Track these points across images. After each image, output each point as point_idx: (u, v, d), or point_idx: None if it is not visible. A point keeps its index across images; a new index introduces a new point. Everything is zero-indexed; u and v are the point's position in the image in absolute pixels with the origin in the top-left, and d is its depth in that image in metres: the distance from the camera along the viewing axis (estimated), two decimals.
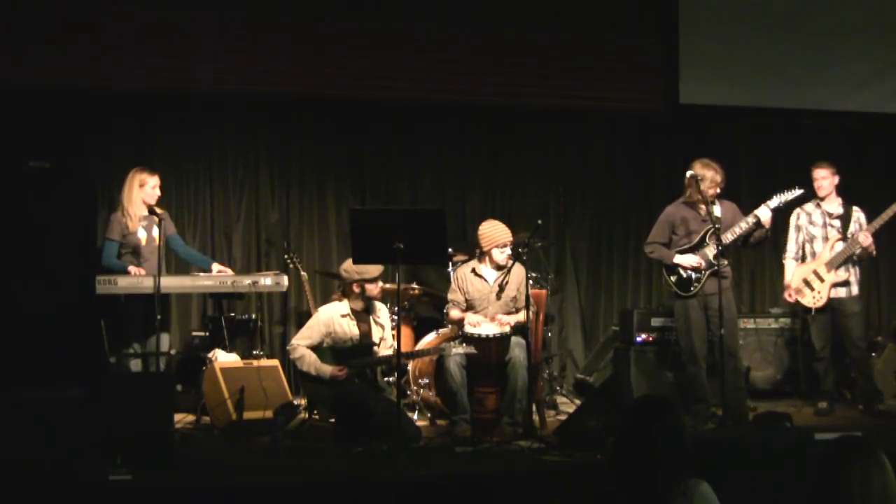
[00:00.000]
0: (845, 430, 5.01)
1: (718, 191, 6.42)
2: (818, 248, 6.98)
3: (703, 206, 6.32)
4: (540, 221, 6.47)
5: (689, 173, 6.34)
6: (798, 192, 6.47)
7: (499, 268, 6.37)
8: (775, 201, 6.40)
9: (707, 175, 6.33)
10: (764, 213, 6.34)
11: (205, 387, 6.26)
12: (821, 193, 6.98)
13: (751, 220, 6.37)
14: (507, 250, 6.31)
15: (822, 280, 6.91)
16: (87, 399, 4.68)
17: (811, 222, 7.04)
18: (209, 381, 6.21)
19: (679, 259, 6.40)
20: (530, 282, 6.57)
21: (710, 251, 6.30)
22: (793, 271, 7.06)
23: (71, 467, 4.52)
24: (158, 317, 6.14)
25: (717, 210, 6.42)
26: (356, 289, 6.28)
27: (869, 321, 8.48)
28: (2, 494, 4.33)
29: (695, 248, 6.41)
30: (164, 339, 6.59)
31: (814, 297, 6.93)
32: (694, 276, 6.37)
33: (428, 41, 8.08)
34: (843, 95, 8.66)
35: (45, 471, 4.45)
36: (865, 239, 6.84)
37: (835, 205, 7.01)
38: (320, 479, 4.99)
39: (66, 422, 4.58)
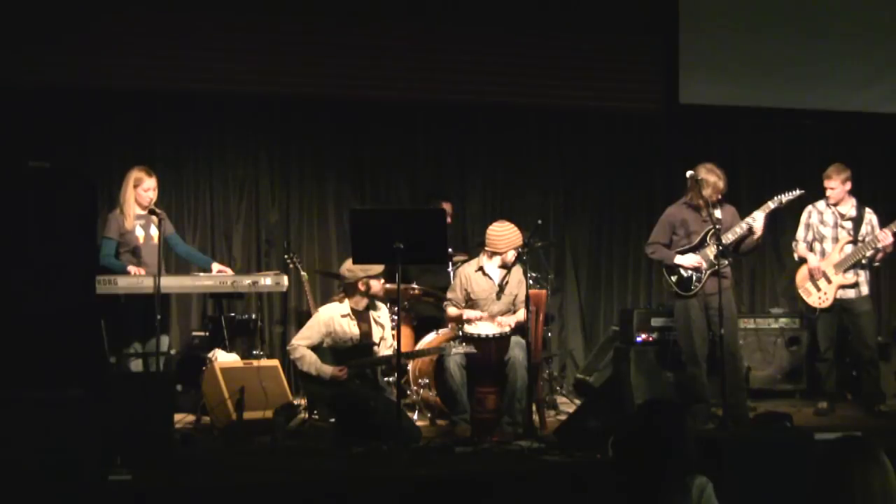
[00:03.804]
0: (845, 430, 5.02)
1: (720, 197, 6.41)
2: (828, 248, 6.96)
3: (704, 209, 6.32)
4: (540, 221, 6.45)
5: (689, 173, 6.34)
6: (798, 192, 6.46)
7: (504, 267, 6.37)
8: (775, 202, 6.39)
9: (710, 181, 6.32)
10: (757, 221, 6.32)
11: (205, 387, 6.26)
12: (831, 201, 6.93)
13: (744, 226, 6.35)
14: (518, 251, 6.32)
15: (829, 281, 6.89)
16: (87, 399, 4.68)
17: (822, 222, 6.99)
18: (209, 381, 6.21)
19: (680, 259, 6.40)
20: (530, 282, 6.57)
21: (711, 251, 6.30)
22: (808, 255, 6.98)
23: (71, 467, 4.52)
24: (158, 317, 6.15)
25: (717, 213, 6.42)
26: (362, 287, 6.28)
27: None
28: (2, 494, 4.33)
29: (695, 249, 6.41)
30: (164, 340, 6.57)
31: (819, 298, 6.92)
32: (695, 276, 6.37)
33: (428, 41, 8.08)
34: (843, 95, 8.67)
35: (45, 471, 4.45)
36: (885, 237, 6.81)
37: (848, 206, 6.96)
38: (320, 479, 4.98)
39: (66, 422, 4.58)
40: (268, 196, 8.01)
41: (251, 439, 5.74)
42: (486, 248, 6.41)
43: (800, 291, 7.06)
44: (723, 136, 8.71)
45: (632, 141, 8.67)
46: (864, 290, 6.94)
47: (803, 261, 7.04)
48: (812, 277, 6.95)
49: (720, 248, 6.15)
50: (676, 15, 8.43)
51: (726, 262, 6.32)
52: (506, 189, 8.45)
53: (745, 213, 6.50)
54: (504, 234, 6.32)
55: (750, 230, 6.35)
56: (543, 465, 5.22)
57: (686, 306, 6.41)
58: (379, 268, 6.24)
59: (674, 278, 6.45)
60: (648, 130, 8.65)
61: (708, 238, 6.36)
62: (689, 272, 6.38)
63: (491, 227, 6.43)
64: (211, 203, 7.90)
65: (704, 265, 6.34)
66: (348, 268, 6.27)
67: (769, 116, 8.79)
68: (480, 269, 6.41)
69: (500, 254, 6.33)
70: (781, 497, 4.12)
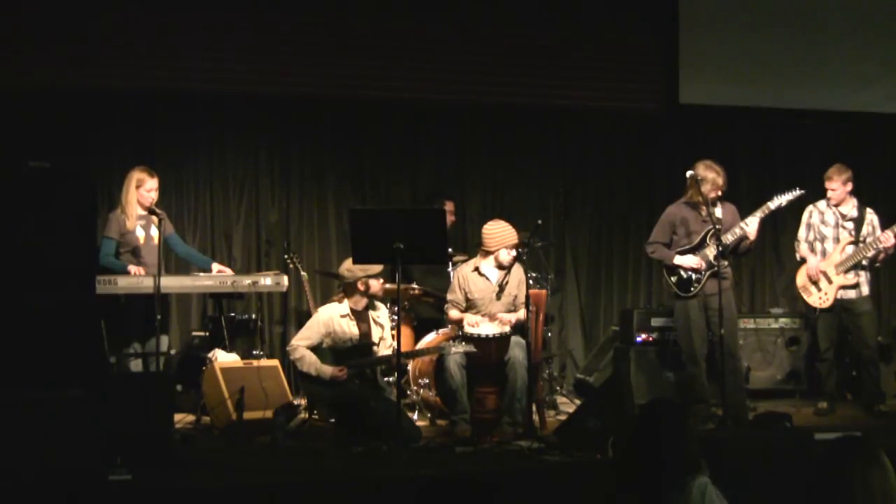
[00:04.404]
0: (845, 430, 5.02)
1: (720, 194, 6.40)
2: (829, 248, 6.95)
3: (703, 207, 6.32)
4: (540, 221, 6.46)
5: (689, 173, 6.33)
6: (798, 192, 6.44)
7: (501, 267, 6.37)
8: (776, 202, 6.38)
9: (709, 177, 6.31)
10: (751, 226, 6.31)
11: (205, 387, 6.26)
12: (833, 202, 6.93)
13: (738, 231, 6.34)
14: (514, 251, 6.30)
15: (829, 281, 6.88)
16: (87, 399, 4.68)
17: (823, 222, 6.98)
18: (209, 381, 6.21)
19: (679, 260, 6.39)
20: (530, 282, 6.56)
21: (711, 252, 6.29)
22: (809, 256, 6.98)
23: (71, 467, 4.52)
24: (158, 317, 6.15)
25: (717, 212, 6.41)
26: (361, 287, 6.28)
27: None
28: (2, 495, 4.33)
29: (695, 249, 6.40)
30: (164, 340, 6.58)
31: (820, 298, 6.92)
32: (694, 276, 6.36)
33: (428, 41, 8.08)
34: (843, 95, 8.67)
35: (45, 471, 4.45)
36: (887, 239, 6.80)
37: (849, 206, 6.96)
38: (320, 479, 4.99)
39: (66, 422, 4.58)
40: (268, 196, 8.00)
41: (251, 439, 5.74)
42: (481, 248, 6.42)
43: (800, 291, 7.06)
44: (723, 136, 8.70)
45: (632, 141, 8.66)
46: (865, 290, 6.94)
47: (805, 261, 7.04)
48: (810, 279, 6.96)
49: (720, 248, 6.15)
50: (676, 15, 8.43)
51: (726, 264, 6.32)
52: (506, 189, 8.45)
53: (745, 213, 6.50)
54: (494, 233, 6.32)
55: (744, 235, 6.34)
56: (543, 465, 5.23)
57: (685, 307, 6.41)
58: (378, 268, 6.24)
59: (673, 279, 6.44)
60: (648, 130, 8.64)
61: (708, 238, 6.35)
62: (689, 273, 6.38)
63: (485, 226, 6.44)
64: (211, 203, 7.89)
65: (704, 266, 6.34)
66: (347, 267, 6.27)
67: (769, 116, 8.79)
68: (476, 269, 6.41)
69: (491, 252, 6.33)
70: (781, 497, 4.12)
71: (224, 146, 7.93)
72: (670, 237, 6.50)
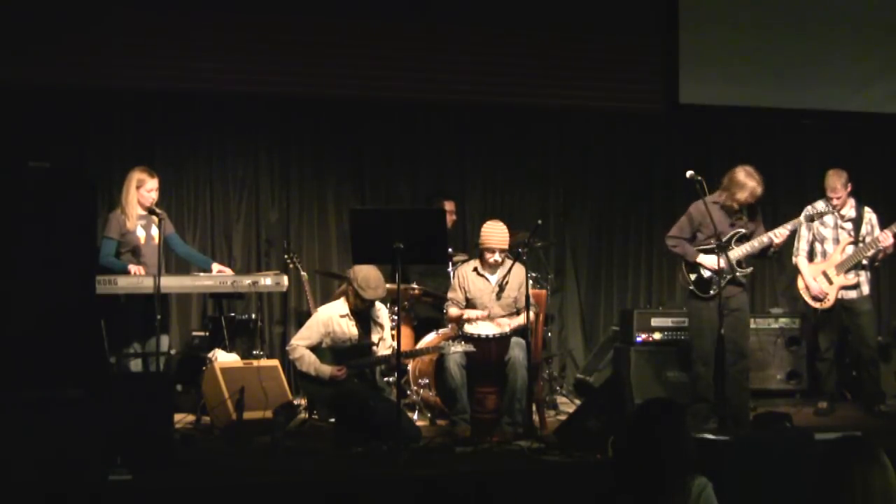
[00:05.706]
0: (845, 430, 5.02)
1: (753, 202, 6.32)
2: (829, 249, 6.95)
3: (737, 212, 6.27)
4: (540, 221, 6.45)
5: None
6: (828, 209, 6.64)
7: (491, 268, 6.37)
8: (807, 217, 6.54)
9: (749, 185, 6.21)
10: (778, 238, 6.28)
11: (205, 387, 6.26)
12: (838, 208, 6.89)
13: (765, 240, 6.28)
14: (497, 256, 6.27)
15: (830, 282, 6.88)
16: (87, 399, 4.68)
17: (822, 223, 6.96)
18: (209, 381, 6.21)
19: (703, 259, 6.30)
20: (530, 282, 6.56)
21: (735, 255, 6.20)
22: (808, 271, 6.99)
23: (71, 467, 4.52)
24: (158, 317, 6.15)
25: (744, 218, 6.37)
26: (350, 292, 6.28)
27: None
28: (2, 495, 4.33)
29: (719, 251, 6.21)
30: (164, 340, 6.58)
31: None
32: (714, 278, 6.25)
33: (427, 41, 8.08)
34: (843, 95, 8.66)
35: (45, 471, 4.46)
36: (886, 238, 6.80)
37: (847, 206, 6.96)
38: (320, 479, 4.99)
39: (66, 422, 4.58)
40: (268, 196, 8.00)
41: (251, 439, 5.74)
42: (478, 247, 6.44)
43: (801, 291, 7.06)
44: (723, 136, 8.70)
45: (632, 141, 8.66)
46: (865, 290, 6.94)
47: (808, 260, 7.04)
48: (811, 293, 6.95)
49: (742, 255, 6.15)
50: (676, 15, 8.43)
51: (750, 269, 6.30)
52: (506, 189, 8.45)
53: None
54: (483, 233, 6.33)
55: (770, 243, 6.32)
56: (543, 465, 5.22)
57: (700, 307, 6.31)
58: (376, 293, 6.18)
59: (693, 276, 6.34)
60: (648, 130, 8.64)
61: (733, 242, 6.29)
62: (710, 274, 6.31)
63: (483, 224, 6.44)
64: (211, 203, 7.89)
65: (726, 268, 6.20)
66: (354, 270, 6.20)
67: (769, 116, 8.79)
68: (476, 269, 6.41)
69: (485, 251, 6.33)
70: (781, 497, 4.13)
71: (224, 146, 7.93)
72: (693, 234, 6.39)
